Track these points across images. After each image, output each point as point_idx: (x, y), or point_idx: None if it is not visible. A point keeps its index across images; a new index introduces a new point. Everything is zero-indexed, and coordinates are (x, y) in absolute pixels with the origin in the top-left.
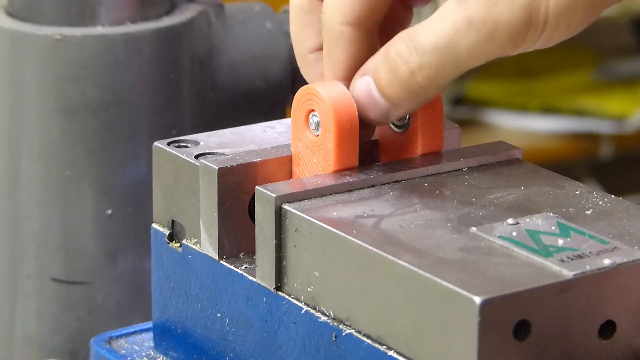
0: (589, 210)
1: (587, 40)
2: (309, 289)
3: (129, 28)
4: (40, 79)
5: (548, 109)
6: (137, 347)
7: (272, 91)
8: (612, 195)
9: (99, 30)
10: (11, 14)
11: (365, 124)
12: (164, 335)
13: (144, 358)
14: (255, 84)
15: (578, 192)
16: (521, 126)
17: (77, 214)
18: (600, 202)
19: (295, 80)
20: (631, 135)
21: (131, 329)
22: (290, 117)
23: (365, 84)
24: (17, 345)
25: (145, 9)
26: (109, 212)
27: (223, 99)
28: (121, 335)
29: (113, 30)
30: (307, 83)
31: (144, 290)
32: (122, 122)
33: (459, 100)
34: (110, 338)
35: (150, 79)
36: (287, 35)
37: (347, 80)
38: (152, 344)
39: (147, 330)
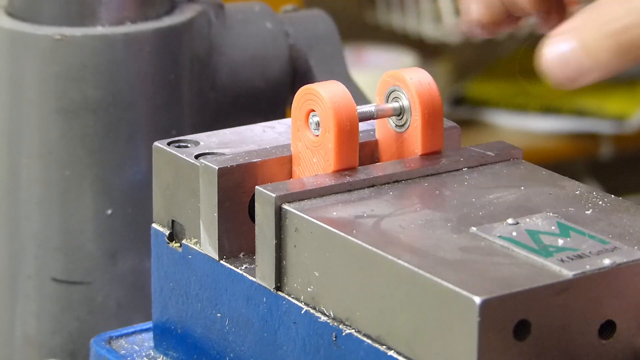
0: (589, 210)
1: None
2: (308, 288)
3: (129, 28)
4: (40, 79)
5: (548, 109)
6: (137, 347)
7: (272, 91)
8: (612, 195)
9: (99, 30)
10: (11, 14)
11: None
12: (164, 335)
13: (144, 358)
14: (255, 84)
15: (578, 192)
16: (521, 126)
17: (77, 214)
18: (600, 202)
19: (295, 80)
20: (631, 135)
21: (131, 329)
22: (290, 117)
23: (564, 41)
24: (17, 345)
25: (145, 9)
26: (109, 212)
27: (223, 99)
28: (121, 335)
29: (113, 30)
30: (306, 83)
31: (144, 290)
32: (122, 122)
33: (459, 100)
34: (110, 338)
35: (150, 79)
36: (287, 35)
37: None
38: (152, 344)
39: (147, 330)
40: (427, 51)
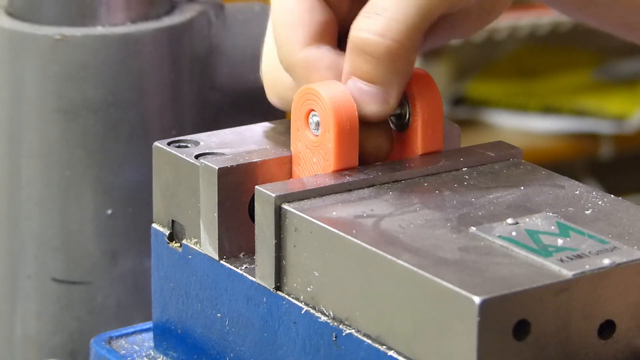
0: (588, 210)
1: (587, 41)
2: (308, 288)
3: (129, 28)
4: (40, 79)
5: (548, 109)
6: (137, 347)
7: None
8: (612, 195)
9: (99, 30)
10: (11, 14)
11: (372, 137)
12: (164, 335)
13: (144, 358)
14: (255, 84)
15: (577, 192)
16: (521, 126)
17: (77, 214)
18: (600, 202)
19: None
20: (631, 135)
21: (131, 329)
22: (290, 117)
23: (352, 84)
24: (17, 345)
25: (145, 9)
26: (109, 212)
27: (223, 99)
28: (121, 335)
29: (113, 30)
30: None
31: (144, 290)
32: (122, 122)
33: (459, 100)
34: (110, 338)
35: (151, 79)
36: None
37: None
38: (152, 344)
39: (147, 330)
40: (426, 51)
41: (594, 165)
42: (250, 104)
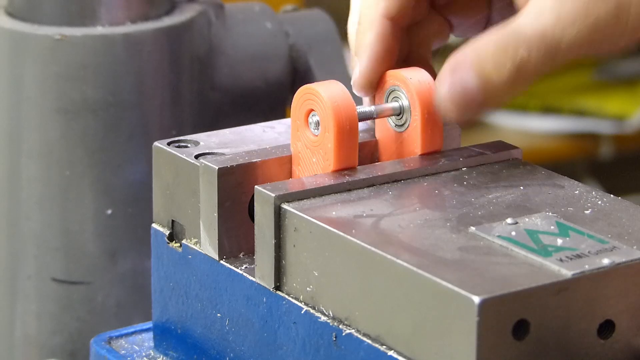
0: (588, 210)
1: None
2: (308, 288)
3: (129, 28)
4: (41, 79)
5: (548, 109)
6: (137, 347)
7: (272, 91)
8: (611, 195)
9: (99, 30)
10: (11, 14)
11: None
12: (164, 335)
13: (144, 358)
14: (255, 84)
15: (577, 191)
16: (521, 126)
17: (77, 214)
18: (600, 202)
19: (295, 80)
20: (631, 135)
21: (131, 329)
22: (290, 117)
23: (459, 79)
24: (17, 345)
25: (146, 9)
26: (109, 212)
27: (223, 99)
28: (121, 335)
29: (113, 30)
30: (305, 83)
31: (144, 290)
32: (122, 122)
33: None
34: (110, 338)
35: (151, 79)
36: (287, 35)
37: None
38: (152, 344)
39: (147, 330)
40: None
41: (594, 165)
42: (250, 103)
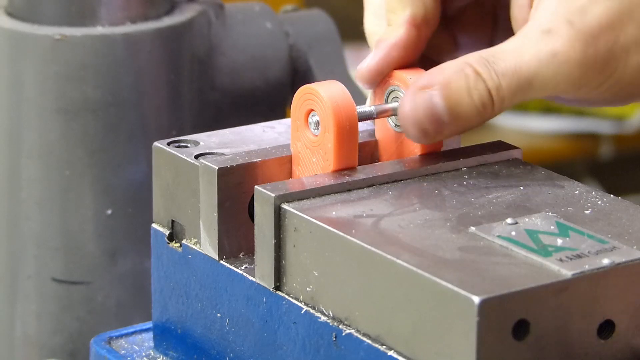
0: (588, 210)
1: None
2: (308, 288)
3: (129, 28)
4: (41, 79)
5: (548, 109)
6: (137, 347)
7: (272, 91)
8: (611, 195)
9: (99, 30)
10: (11, 14)
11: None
12: (164, 335)
13: (144, 358)
14: (255, 84)
15: (577, 191)
16: (521, 126)
17: (77, 214)
18: (599, 202)
19: (295, 80)
20: (631, 135)
21: (131, 329)
22: (290, 117)
23: (428, 98)
24: (17, 345)
25: (146, 9)
26: (109, 212)
27: (223, 99)
28: (121, 335)
29: (113, 30)
30: (305, 83)
31: (144, 290)
32: (122, 122)
33: None
34: (110, 338)
35: (151, 79)
36: (287, 35)
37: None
38: (152, 344)
39: (147, 330)
40: None
41: (594, 165)
42: (250, 104)
